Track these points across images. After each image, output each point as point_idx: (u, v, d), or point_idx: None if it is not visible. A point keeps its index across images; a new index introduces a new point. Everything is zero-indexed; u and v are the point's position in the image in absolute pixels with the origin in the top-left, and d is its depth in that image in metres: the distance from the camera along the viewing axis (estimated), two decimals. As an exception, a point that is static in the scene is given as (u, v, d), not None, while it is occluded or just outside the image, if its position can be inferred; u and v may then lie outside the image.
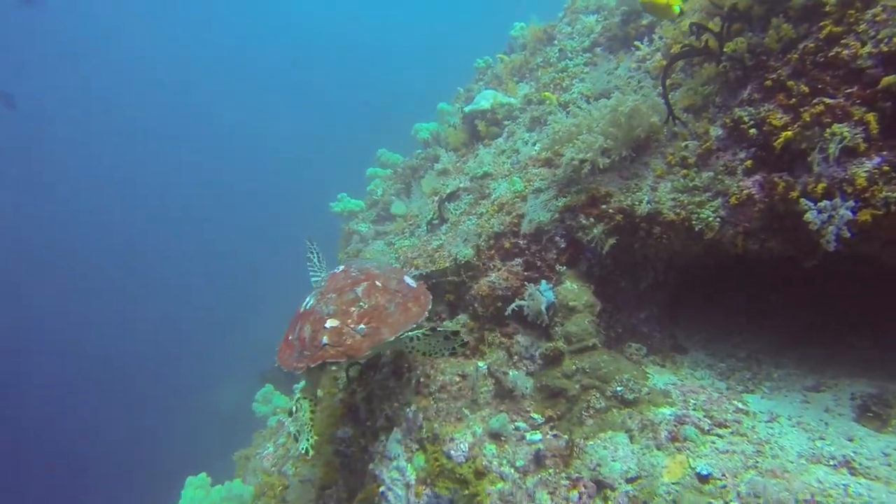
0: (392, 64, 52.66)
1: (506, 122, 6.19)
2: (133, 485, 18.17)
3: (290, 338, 3.16)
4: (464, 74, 10.43)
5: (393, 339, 2.98)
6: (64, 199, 43.09)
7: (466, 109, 6.44)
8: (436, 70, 33.42)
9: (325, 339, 2.90)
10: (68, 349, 31.28)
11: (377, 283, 3.23)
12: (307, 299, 3.39)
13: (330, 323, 2.96)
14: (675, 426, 3.07)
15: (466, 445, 3.18)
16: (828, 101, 2.71)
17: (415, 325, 3.12)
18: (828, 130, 2.67)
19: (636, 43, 5.10)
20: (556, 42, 6.96)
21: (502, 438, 3.23)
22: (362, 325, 2.95)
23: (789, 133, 2.90)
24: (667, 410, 3.23)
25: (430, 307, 3.33)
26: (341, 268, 3.62)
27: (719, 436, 3.01)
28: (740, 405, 3.24)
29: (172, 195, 45.46)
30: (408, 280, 3.49)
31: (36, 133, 41.37)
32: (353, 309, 3.02)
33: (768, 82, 3.08)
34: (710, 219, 3.37)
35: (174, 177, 46.58)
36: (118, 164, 45.81)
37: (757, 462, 2.75)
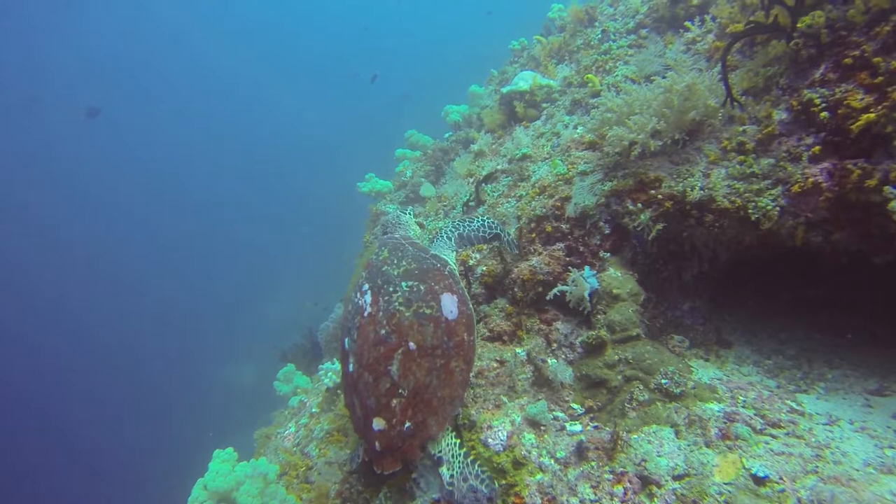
0: (420, 46, 52.19)
1: (544, 105, 5.99)
2: (153, 462, 18.53)
3: (348, 391, 3.10)
4: (496, 57, 10.22)
5: (440, 433, 2.86)
6: (76, 183, 43.61)
7: (504, 90, 6.25)
8: (466, 53, 32.92)
9: (377, 446, 2.82)
10: (86, 332, 31.87)
11: (411, 345, 2.85)
12: (345, 340, 3.17)
13: (376, 424, 2.81)
14: (726, 423, 2.91)
15: (505, 434, 3.05)
16: (923, 79, 2.49)
17: (461, 405, 2.98)
18: (920, 112, 2.45)
19: (686, 23, 4.85)
20: (597, 23, 6.70)
21: (542, 428, 3.10)
22: (408, 423, 2.80)
23: (871, 115, 2.68)
24: (715, 406, 3.07)
25: (475, 351, 3.06)
26: (368, 298, 3.08)
27: (773, 436, 2.84)
28: (794, 405, 3.06)
29: (190, 176, 45.79)
30: (445, 303, 2.98)
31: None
32: (394, 402, 2.81)
33: (848, 60, 2.86)
34: (769, 208, 3.18)
35: (193, 158, 46.86)
36: (134, 149, 46.09)
37: (817, 467, 2.58)
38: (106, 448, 22.25)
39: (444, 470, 2.83)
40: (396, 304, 2.95)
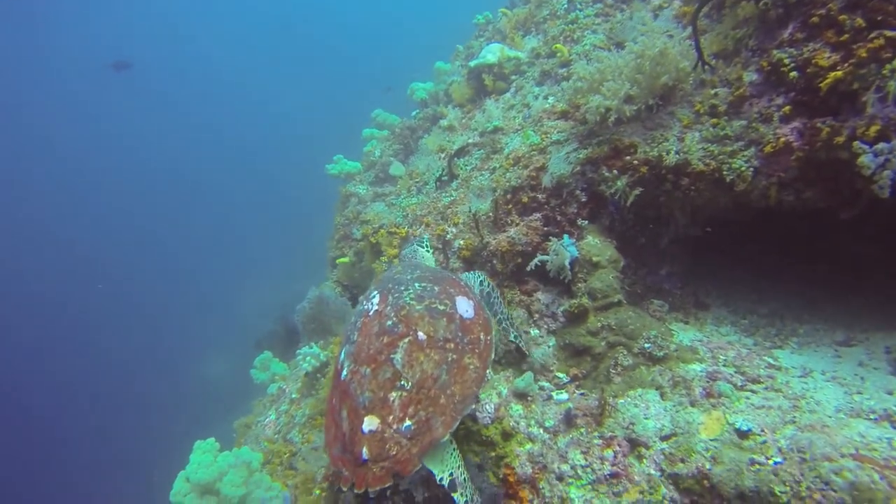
0: (385, 24, 51.21)
1: (513, 77, 5.92)
2: (131, 456, 18.10)
3: (333, 414, 2.61)
4: (460, 32, 10.05)
5: (448, 438, 2.36)
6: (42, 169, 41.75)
7: (472, 64, 6.14)
8: (431, 28, 32.41)
9: (364, 453, 2.27)
10: (57, 323, 30.68)
11: (420, 335, 2.51)
12: (342, 352, 2.70)
13: (368, 424, 2.32)
14: (708, 382, 2.98)
15: (492, 406, 3.06)
16: (889, 33, 2.52)
17: (474, 403, 2.50)
18: (887, 67, 2.49)
19: (653, -11, 4.83)
20: (562, -7, 6.63)
21: (529, 398, 3.11)
22: (408, 422, 2.31)
23: (839, 73, 2.71)
24: (697, 367, 3.13)
25: (493, 352, 2.68)
26: (375, 300, 2.76)
27: (753, 391, 2.92)
28: (771, 360, 3.16)
29: (157, 162, 44.25)
30: (460, 304, 2.72)
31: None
32: (392, 395, 2.36)
33: (815, 19, 2.88)
34: (743, 169, 3.22)
35: (159, 143, 45.29)
36: (100, 131, 44.39)
37: (795, 417, 2.67)
38: (83, 440, 21.63)
39: (458, 497, 2.37)
40: (407, 298, 2.67)
